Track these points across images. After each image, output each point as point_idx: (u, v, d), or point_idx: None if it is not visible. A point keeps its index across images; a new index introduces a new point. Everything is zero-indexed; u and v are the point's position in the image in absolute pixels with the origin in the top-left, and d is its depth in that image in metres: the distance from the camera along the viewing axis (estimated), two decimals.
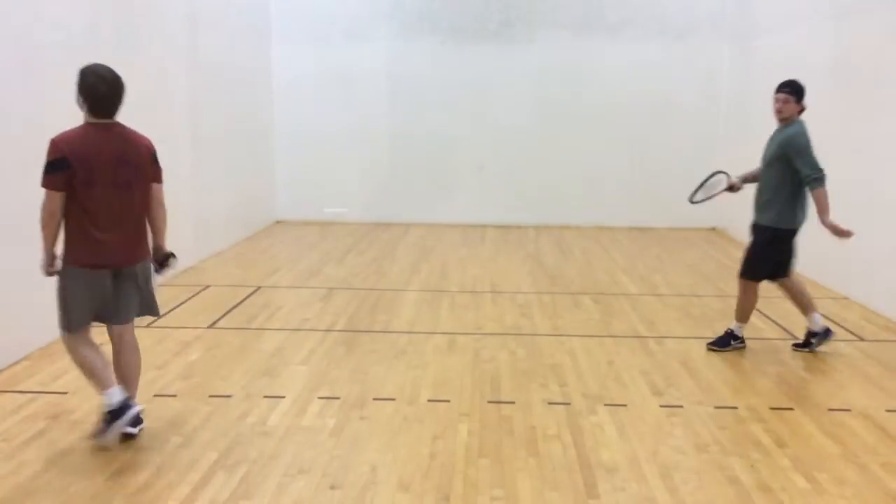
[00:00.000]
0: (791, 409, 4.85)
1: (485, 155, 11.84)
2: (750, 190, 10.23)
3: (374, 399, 4.93)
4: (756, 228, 5.92)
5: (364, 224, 11.73)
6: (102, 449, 4.13)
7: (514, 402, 4.92)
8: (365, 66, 11.76)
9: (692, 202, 6.33)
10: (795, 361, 5.76)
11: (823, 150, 8.43)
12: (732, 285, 8.20)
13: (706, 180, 6.39)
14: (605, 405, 4.88)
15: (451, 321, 6.78)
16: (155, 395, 4.91)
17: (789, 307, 7.28)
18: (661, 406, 4.88)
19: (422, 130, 11.85)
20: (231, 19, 10.09)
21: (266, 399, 4.90)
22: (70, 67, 6.21)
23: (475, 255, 9.72)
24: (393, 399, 4.94)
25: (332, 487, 3.81)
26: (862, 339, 6.31)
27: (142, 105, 7.41)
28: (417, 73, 11.77)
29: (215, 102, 9.32)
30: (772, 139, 5.94)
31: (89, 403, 4.70)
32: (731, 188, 6.31)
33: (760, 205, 5.86)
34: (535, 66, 11.66)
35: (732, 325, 6.05)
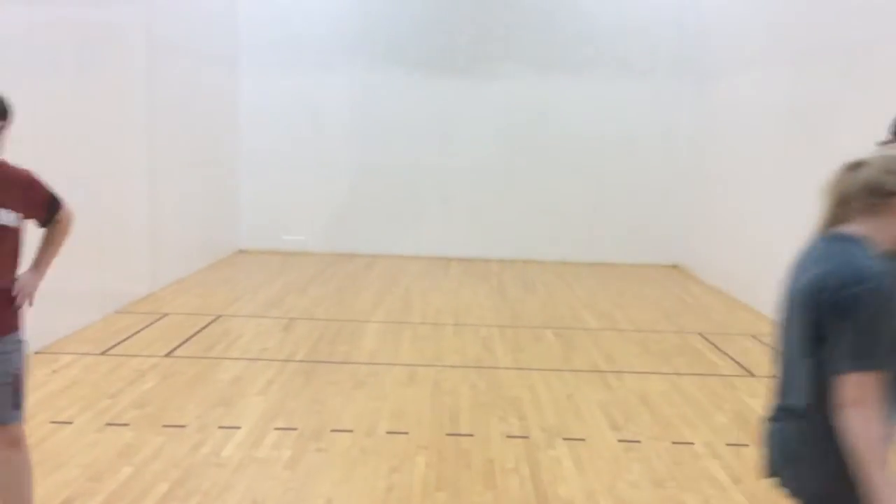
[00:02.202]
0: (747, 445, 4.89)
1: (450, 188, 11.90)
2: (717, 225, 10.37)
3: (332, 430, 4.88)
4: None
5: (328, 254, 11.68)
6: (50, 479, 4.02)
7: (472, 435, 4.90)
8: (332, 97, 11.80)
9: None
10: (752, 399, 5.81)
11: (781, 191, 8.64)
12: (691, 322, 8.32)
13: None
14: (564, 439, 4.88)
15: (412, 353, 6.75)
16: (107, 424, 4.80)
17: (748, 343, 7.39)
18: (619, 441, 4.89)
19: (387, 162, 11.89)
20: (197, 46, 10.07)
21: (221, 429, 4.82)
22: (30, 93, 6.17)
23: (438, 288, 9.72)
24: (351, 431, 4.89)
25: None
26: None
27: (99, 131, 7.39)
28: (384, 106, 11.84)
29: (177, 130, 9.25)
30: None
31: (36, 434, 4.59)
32: None
33: None
34: (500, 102, 11.78)
35: None
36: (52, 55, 6.50)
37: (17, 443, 3.27)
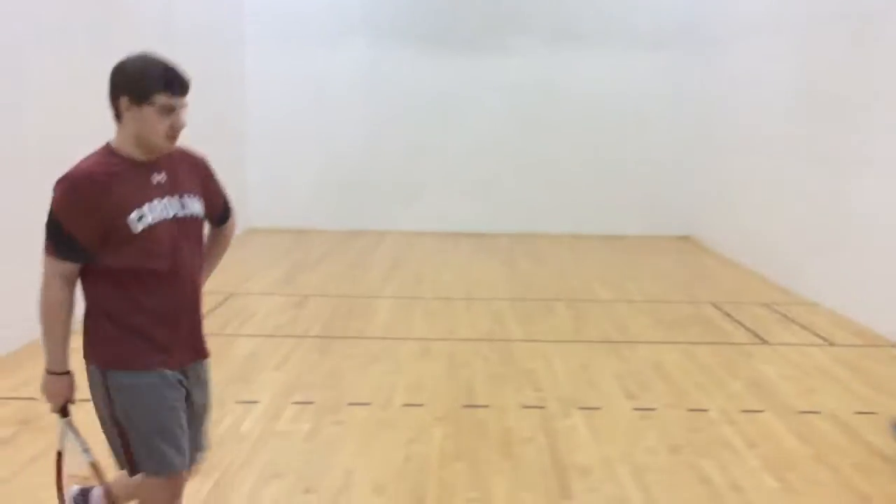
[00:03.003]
0: (762, 411, 4.91)
1: (458, 163, 11.86)
2: (728, 195, 10.37)
3: (349, 404, 4.92)
4: None
5: (338, 232, 11.69)
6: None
7: (488, 406, 4.93)
8: (339, 74, 11.76)
9: None
10: (766, 366, 5.83)
11: (790, 160, 8.61)
12: (703, 292, 8.32)
13: None
14: (579, 408, 4.90)
15: (425, 327, 6.78)
16: None
17: (760, 311, 7.39)
18: (635, 409, 4.92)
19: (395, 138, 11.86)
20: (204, 24, 10.03)
21: (239, 404, 4.86)
22: (40, 70, 6.18)
23: (449, 263, 9.73)
24: (368, 404, 4.93)
25: (307, 491, 3.79)
26: (832, 344, 6.40)
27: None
28: (391, 81, 11.79)
29: (189, 110, 9.24)
30: None
31: (50, 414, 4.64)
32: None
33: None
34: (507, 75, 11.72)
35: None
36: (63, 31, 6.48)
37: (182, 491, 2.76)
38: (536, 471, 4.04)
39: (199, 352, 2.80)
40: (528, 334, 6.61)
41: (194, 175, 2.74)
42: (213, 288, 7.85)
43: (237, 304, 7.43)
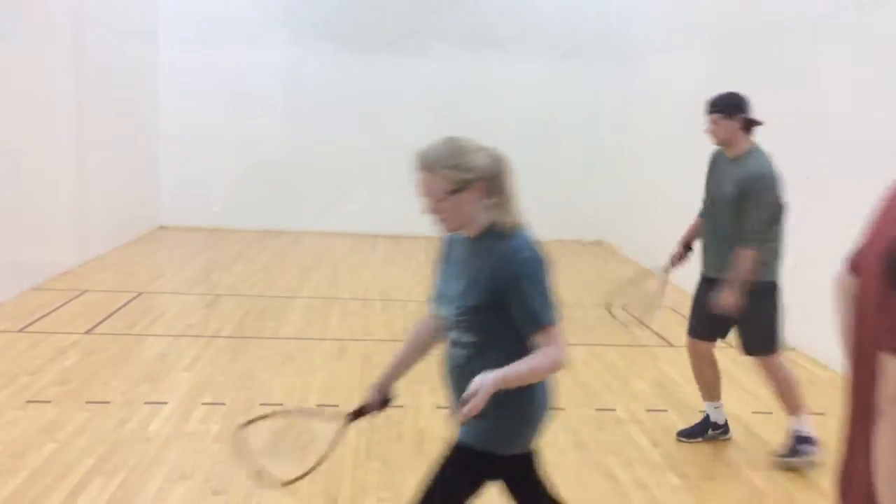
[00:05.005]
0: (665, 410, 5.10)
1: (376, 165, 11.85)
2: (638, 202, 10.65)
3: (261, 404, 4.87)
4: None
5: (254, 231, 11.53)
6: None
7: (403, 406, 4.95)
8: (256, 72, 11.61)
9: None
10: (670, 367, 6.04)
11: (696, 173, 8.91)
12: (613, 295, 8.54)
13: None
14: None
15: (340, 328, 6.76)
16: (28, 401, 4.68)
17: (667, 315, 7.64)
18: None
19: (314, 139, 11.78)
20: (118, 18, 9.77)
21: (147, 405, 4.76)
22: None
23: (366, 264, 9.72)
24: (280, 404, 4.89)
25: (215, 493, 3.74)
26: (732, 347, 6.65)
27: (22, 102, 7.12)
28: (310, 81, 11.71)
29: (100, 103, 8.98)
30: (720, 169, 4.78)
31: None
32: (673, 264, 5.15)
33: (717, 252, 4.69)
34: (427, 79, 11.79)
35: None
36: None
37: None
38: None
39: None
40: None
41: None
42: (122, 286, 7.69)
43: (147, 303, 7.25)
